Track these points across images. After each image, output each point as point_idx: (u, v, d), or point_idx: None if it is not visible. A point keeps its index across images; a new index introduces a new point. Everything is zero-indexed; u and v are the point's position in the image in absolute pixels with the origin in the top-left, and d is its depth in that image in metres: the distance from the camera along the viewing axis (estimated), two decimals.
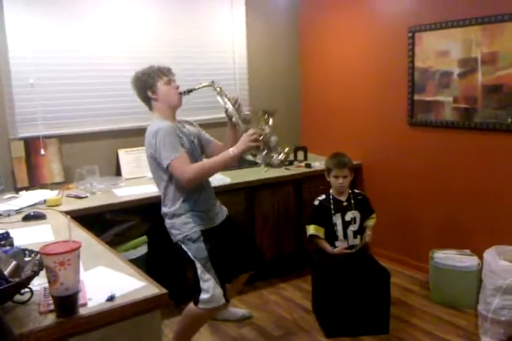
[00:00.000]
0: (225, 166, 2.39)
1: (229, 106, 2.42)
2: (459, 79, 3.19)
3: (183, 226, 2.42)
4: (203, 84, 2.47)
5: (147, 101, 2.49)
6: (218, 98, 2.45)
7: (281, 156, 2.36)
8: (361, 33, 3.83)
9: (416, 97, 3.47)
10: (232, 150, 2.30)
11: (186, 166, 2.29)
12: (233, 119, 2.44)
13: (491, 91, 3.03)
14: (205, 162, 2.39)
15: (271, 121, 2.38)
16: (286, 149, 2.39)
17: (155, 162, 2.37)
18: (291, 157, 3.90)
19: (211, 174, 2.43)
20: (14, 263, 1.38)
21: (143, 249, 3.12)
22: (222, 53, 3.98)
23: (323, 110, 4.28)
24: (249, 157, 2.47)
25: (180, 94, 2.47)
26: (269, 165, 2.38)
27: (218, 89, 2.45)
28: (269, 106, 2.45)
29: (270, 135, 2.35)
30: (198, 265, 2.38)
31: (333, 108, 4.17)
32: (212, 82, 2.47)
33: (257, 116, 2.40)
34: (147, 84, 2.43)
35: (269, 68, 4.26)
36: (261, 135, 2.32)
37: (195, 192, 2.42)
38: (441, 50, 3.26)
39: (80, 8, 3.28)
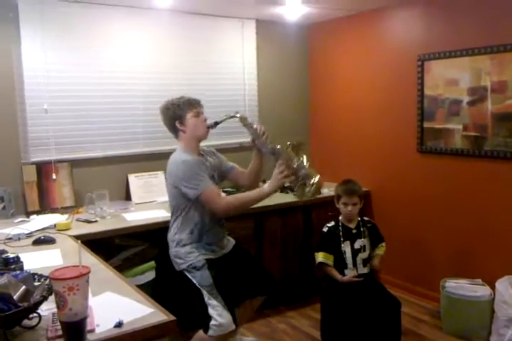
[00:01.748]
0: (259, 201, 2.45)
1: (256, 136, 2.45)
2: (468, 108, 3.20)
3: (187, 255, 2.43)
4: (228, 116, 2.49)
5: (174, 130, 2.51)
6: (246, 128, 2.48)
7: (313, 188, 2.36)
8: (371, 60, 3.87)
9: (425, 125, 3.48)
10: (266, 188, 2.35)
11: (218, 197, 2.35)
12: (262, 150, 2.47)
13: (500, 119, 3.03)
14: (239, 195, 2.45)
15: (302, 155, 2.40)
16: (317, 178, 2.40)
17: (176, 191, 2.39)
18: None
19: (244, 208, 2.50)
20: (24, 287, 1.38)
21: (150, 275, 3.09)
22: (233, 80, 4.03)
23: (332, 136, 4.29)
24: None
25: (208, 128, 2.50)
26: (302, 196, 2.41)
27: (244, 118, 2.48)
28: (296, 140, 2.46)
29: (300, 168, 2.37)
30: (204, 292, 2.37)
31: (342, 134, 4.19)
32: (237, 112, 2.50)
33: (287, 149, 2.42)
34: (176, 115, 2.46)
35: (279, 93, 4.30)
36: (291, 169, 2.34)
37: (205, 224, 2.44)
38: (451, 79, 3.29)
39: (93, 35, 3.36)
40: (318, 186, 2.39)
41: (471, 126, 3.21)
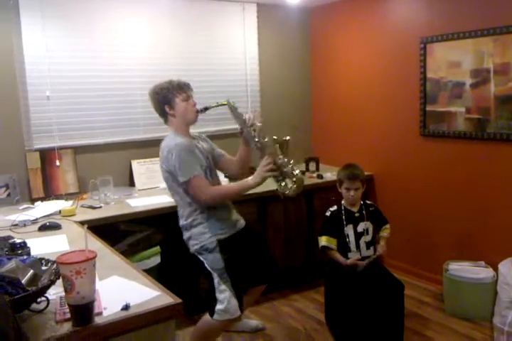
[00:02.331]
0: (241, 195, 2.46)
1: (244, 127, 2.44)
2: (471, 90, 3.19)
3: (200, 236, 2.43)
4: (219, 103, 2.49)
5: (163, 115, 2.51)
6: (233, 117, 2.48)
7: (295, 185, 2.37)
8: (373, 44, 3.85)
9: (428, 108, 3.47)
10: (250, 180, 2.35)
11: (204, 187, 2.34)
12: (249, 142, 2.46)
13: (503, 101, 3.02)
14: (222, 187, 2.46)
15: (286, 150, 2.40)
16: (300, 176, 2.40)
17: (170, 176, 2.39)
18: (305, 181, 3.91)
19: (226, 199, 2.48)
20: (32, 272, 1.40)
21: (156, 260, 3.12)
22: (235, 66, 4.01)
23: (334, 120, 4.29)
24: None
25: (198, 111, 2.49)
26: (283, 193, 2.41)
27: (234, 108, 2.47)
28: (280, 137, 2.45)
29: (285, 164, 2.37)
30: (215, 275, 2.38)
31: (344, 118, 4.18)
32: (228, 100, 2.49)
33: (274, 145, 2.41)
34: (165, 99, 2.44)
35: (281, 79, 4.29)
36: (276, 164, 2.34)
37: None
38: (453, 61, 3.27)
39: (95, 23, 3.34)
40: (300, 184, 2.38)
41: (473, 108, 3.20)
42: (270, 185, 3.50)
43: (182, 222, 2.49)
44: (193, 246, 2.45)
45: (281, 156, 2.38)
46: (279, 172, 2.37)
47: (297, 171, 2.39)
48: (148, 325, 1.47)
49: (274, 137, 2.40)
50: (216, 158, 2.63)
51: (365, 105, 3.98)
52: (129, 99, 3.47)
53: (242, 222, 2.62)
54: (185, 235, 2.49)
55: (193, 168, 2.33)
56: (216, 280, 2.37)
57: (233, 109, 2.47)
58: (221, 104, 2.49)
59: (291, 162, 2.38)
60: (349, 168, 3.06)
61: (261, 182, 2.34)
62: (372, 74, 3.89)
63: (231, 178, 3.19)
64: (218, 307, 2.36)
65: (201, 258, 2.42)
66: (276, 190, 2.45)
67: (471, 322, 3.07)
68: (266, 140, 2.42)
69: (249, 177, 2.37)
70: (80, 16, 3.28)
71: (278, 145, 2.40)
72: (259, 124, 2.46)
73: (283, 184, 2.40)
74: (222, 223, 2.46)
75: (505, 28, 2.94)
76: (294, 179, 2.36)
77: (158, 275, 3.04)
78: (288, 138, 2.42)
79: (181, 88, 2.46)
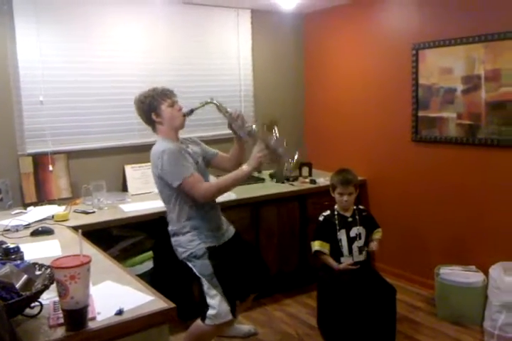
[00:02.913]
0: (239, 183, 2.43)
1: (232, 121, 2.45)
2: (462, 96, 3.22)
3: (188, 243, 2.44)
4: (203, 103, 2.50)
5: (151, 123, 2.50)
6: (221, 113, 2.49)
7: (291, 165, 2.41)
8: (365, 50, 3.88)
9: (420, 113, 3.50)
10: (245, 167, 2.35)
11: (200, 184, 2.34)
12: (239, 134, 2.48)
13: (494, 107, 3.06)
14: (219, 179, 2.43)
15: (276, 132, 2.43)
16: (295, 155, 2.44)
17: (162, 181, 2.40)
18: (300, 171, 3.94)
19: (225, 191, 2.47)
20: (26, 277, 1.41)
21: (148, 265, 3.12)
22: (229, 71, 4.04)
23: (327, 126, 4.31)
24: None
25: (184, 115, 2.49)
26: (280, 176, 2.45)
27: (218, 104, 2.48)
28: (269, 119, 2.49)
29: (277, 146, 2.39)
30: (204, 281, 2.39)
31: (337, 124, 4.21)
32: (211, 98, 2.50)
33: (263, 129, 2.45)
34: (151, 107, 2.44)
35: (274, 85, 4.31)
36: (269, 147, 2.36)
37: (202, 209, 2.44)
38: (445, 67, 3.30)
39: (90, 28, 3.35)
40: (296, 162, 2.43)
41: (465, 114, 3.23)
42: (264, 189, 3.53)
43: (171, 228, 2.50)
44: (182, 253, 2.45)
45: (272, 138, 2.40)
46: (274, 154, 2.39)
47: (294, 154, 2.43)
48: (142, 330, 1.47)
49: (262, 123, 2.45)
50: (209, 158, 2.65)
51: (357, 110, 4.01)
52: (123, 104, 3.46)
53: (231, 231, 2.64)
54: (174, 242, 2.50)
55: (184, 169, 2.32)
56: (206, 285, 2.38)
57: (218, 105, 2.48)
58: (205, 103, 2.49)
59: (285, 141, 2.41)
60: (342, 173, 3.08)
61: (256, 166, 2.35)
62: (364, 80, 3.92)
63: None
64: (209, 312, 2.37)
65: (190, 264, 2.43)
66: (274, 172, 2.48)
67: (462, 326, 3.09)
68: (254, 126, 2.45)
69: (244, 165, 2.38)
70: (74, 21, 3.29)
71: (266, 127, 2.43)
72: (243, 115, 2.48)
73: (280, 165, 2.43)
74: (211, 233, 2.46)
75: (497, 35, 2.98)
76: (289, 158, 2.40)
77: (151, 280, 3.03)
78: (275, 119, 2.45)
79: (165, 94, 2.46)
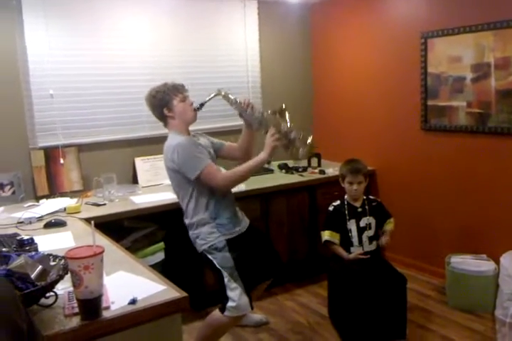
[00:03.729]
0: (255, 170, 2.46)
1: (242, 110, 2.46)
2: (472, 84, 3.20)
3: (208, 235, 2.45)
4: (212, 95, 2.50)
5: (162, 118, 2.51)
6: (230, 104, 2.50)
7: (306, 148, 2.43)
8: (373, 39, 3.86)
9: (429, 102, 3.48)
10: (261, 154, 2.38)
11: (218, 173, 2.38)
12: (251, 123, 2.49)
13: (504, 95, 3.04)
14: (237, 168, 2.44)
15: (287, 118, 2.44)
16: (310, 138, 2.45)
17: (178, 175, 2.41)
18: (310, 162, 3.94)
19: (244, 179, 2.49)
20: (40, 267, 1.43)
21: (160, 256, 3.15)
22: (236, 62, 4.03)
23: (336, 116, 4.30)
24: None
25: (195, 110, 2.50)
26: (297, 157, 2.46)
27: (227, 95, 2.49)
28: (279, 106, 2.49)
29: (290, 131, 2.42)
30: (225, 274, 2.40)
31: (346, 114, 4.20)
32: (219, 90, 2.50)
33: (274, 116, 2.46)
34: (163, 102, 2.45)
35: (282, 75, 4.31)
36: (281, 133, 2.38)
37: (217, 200, 2.46)
38: (454, 56, 3.28)
39: (98, 21, 3.36)
40: (311, 146, 2.45)
41: (474, 102, 3.21)
42: (273, 180, 3.54)
43: (188, 221, 2.51)
44: (202, 245, 2.46)
45: (284, 124, 2.42)
46: (287, 140, 2.41)
47: (308, 138, 2.44)
48: (155, 319, 1.50)
49: (269, 111, 2.46)
50: (217, 148, 2.65)
51: (366, 100, 3.99)
52: (133, 97, 3.48)
53: (246, 221, 2.65)
54: (192, 234, 2.50)
55: (200, 161, 2.35)
56: (226, 278, 2.39)
57: (225, 97, 2.49)
58: (214, 96, 2.50)
59: (296, 133, 2.43)
60: (351, 163, 3.09)
61: (271, 152, 2.37)
62: (373, 69, 3.90)
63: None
64: (230, 304, 2.38)
65: (210, 257, 2.44)
66: (291, 156, 2.50)
67: (473, 314, 3.09)
68: (265, 114, 2.46)
69: (261, 153, 2.40)
70: (82, 15, 3.30)
71: (278, 114, 2.44)
72: (253, 103, 2.49)
73: (294, 150, 2.44)
74: (229, 223, 2.48)
75: (506, 22, 2.95)
76: (304, 141, 2.41)
77: (163, 271, 3.06)
78: (284, 105, 2.46)
79: (177, 89, 2.48)
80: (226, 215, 2.48)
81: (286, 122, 2.43)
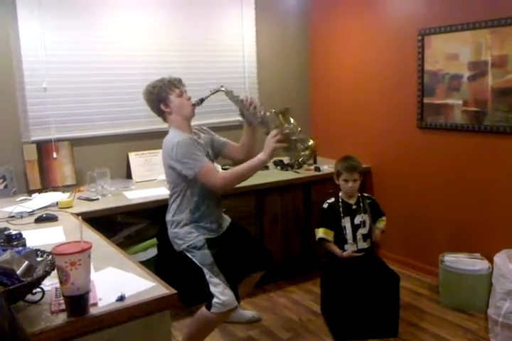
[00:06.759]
0: (254, 172, 2.40)
1: (244, 108, 2.42)
2: (468, 83, 3.19)
3: (186, 235, 2.44)
4: (213, 91, 2.46)
5: (161, 114, 2.49)
6: (232, 101, 2.46)
7: (307, 152, 2.38)
8: (371, 36, 3.84)
9: (426, 100, 3.47)
10: (261, 155, 2.32)
11: (215, 173, 2.35)
12: (252, 122, 2.46)
13: (500, 94, 3.02)
14: (234, 169, 2.41)
15: (291, 119, 2.41)
16: (311, 142, 2.40)
17: (174, 172, 2.39)
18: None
19: (241, 180, 2.43)
20: (27, 263, 1.41)
21: (152, 252, 3.13)
22: (233, 58, 4.00)
23: (332, 113, 4.28)
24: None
25: (194, 105, 2.47)
26: (297, 161, 2.42)
27: (229, 92, 2.45)
28: (283, 106, 2.45)
29: (292, 133, 2.36)
30: (206, 271, 2.39)
31: (342, 111, 4.18)
32: (222, 86, 2.47)
33: (277, 117, 2.41)
34: (159, 97, 2.43)
35: (279, 71, 4.28)
36: (283, 134, 2.32)
37: (203, 203, 2.44)
38: (451, 53, 3.26)
39: (93, 14, 3.32)
40: (312, 150, 2.41)
41: (471, 101, 3.20)
42: (268, 176, 3.52)
43: (169, 218, 2.50)
44: (181, 245, 2.46)
45: (287, 125, 2.38)
46: (289, 142, 2.35)
47: (309, 141, 2.41)
48: (144, 316, 1.47)
49: (273, 110, 2.40)
50: (219, 147, 2.63)
51: (362, 98, 3.98)
52: (127, 91, 3.46)
53: (227, 220, 2.64)
54: (171, 233, 2.50)
55: (198, 160, 2.32)
56: (208, 275, 2.38)
57: (228, 93, 2.46)
58: (216, 91, 2.46)
59: (299, 129, 2.38)
60: (347, 160, 3.08)
61: (272, 154, 2.30)
62: (369, 66, 3.88)
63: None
64: (215, 300, 2.37)
65: (189, 255, 2.43)
66: (290, 159, 2.46)
67: (466, 313, 3.09)
68: (267, 114, 2.41)
69: (260, 154, 2.34)
70: (77, 7, 3.26)
71: (281, 115, 2.40)
72: (257, 102, 2.45)
73: (295, 153, 2.40)
74: (211, 226, 2.47)
75: (504, 20, 2.93)
76: (305, 145, 2.37)
77: (156, 267, 3.05)
78: (288, 106, 2.42)
79: (173, 84, 2.45)
80: (208, 220, 2.47)
81: (290, 123, 2.39)
